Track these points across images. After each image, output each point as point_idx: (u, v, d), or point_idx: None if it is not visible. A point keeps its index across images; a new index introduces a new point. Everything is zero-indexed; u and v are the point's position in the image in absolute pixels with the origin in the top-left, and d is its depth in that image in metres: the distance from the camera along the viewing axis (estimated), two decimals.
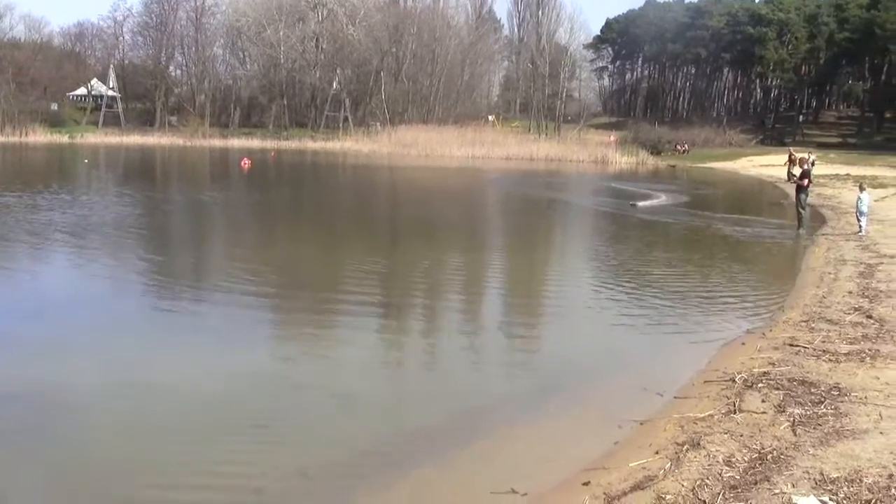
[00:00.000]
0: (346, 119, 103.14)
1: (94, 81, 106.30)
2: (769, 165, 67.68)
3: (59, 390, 9.78)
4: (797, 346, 11.68)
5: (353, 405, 9.84)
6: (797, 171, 28.28)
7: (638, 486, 7.17)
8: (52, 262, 19.31)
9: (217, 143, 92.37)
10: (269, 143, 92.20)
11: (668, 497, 6.85)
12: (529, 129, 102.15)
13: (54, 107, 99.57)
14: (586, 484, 7.39)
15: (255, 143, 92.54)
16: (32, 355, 11.22)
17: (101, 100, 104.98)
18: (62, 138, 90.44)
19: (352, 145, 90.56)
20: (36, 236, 21.96)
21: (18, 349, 11.43)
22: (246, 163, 56.95)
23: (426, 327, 14.34)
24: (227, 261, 20.22)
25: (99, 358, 11.19)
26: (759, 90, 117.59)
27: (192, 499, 7.38)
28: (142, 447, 8.34)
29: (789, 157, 29.77)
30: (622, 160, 78.17)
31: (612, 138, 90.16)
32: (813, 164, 30.78)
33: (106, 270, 18.34)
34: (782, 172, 45.10)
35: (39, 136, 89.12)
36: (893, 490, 6.69)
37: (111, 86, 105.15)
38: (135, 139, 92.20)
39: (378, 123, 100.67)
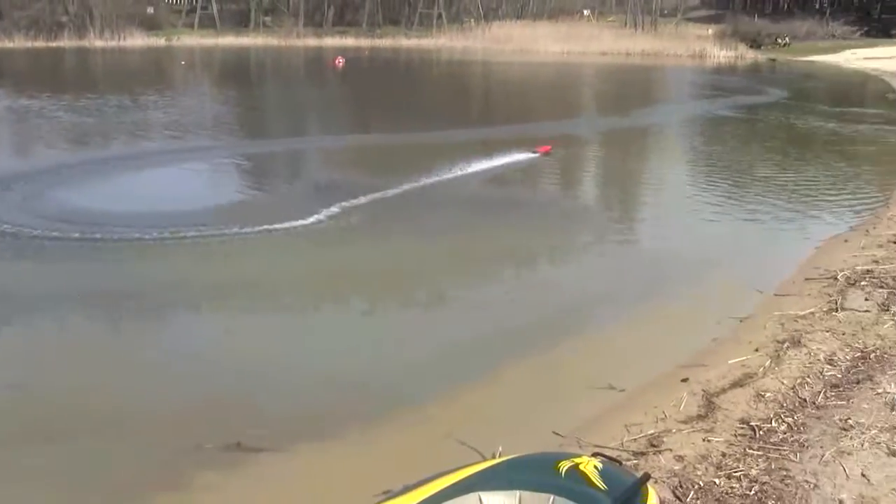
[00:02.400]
0: (439, 16, 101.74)
1: None
2: (874, 58, 64.95)
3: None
4: None
5: (448, 306, 10.04)
6: None
7: (737, 384, 7.20)
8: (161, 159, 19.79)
9: (312, 42, 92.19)
10: (363, 42, 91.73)
11: (767, 395, 6.87)
12: (626, 24, 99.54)
13: (150, 10, 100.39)
14: (685, 380, 7.43)
15: (349, 41, 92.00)
16: None
17: (197, 1, 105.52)
18: (159, 41, 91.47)
19: (446, 42, 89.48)
20: (139, 133, 22.78)
21: None
22: (340, 61, 56.65)
23: (518, 227, 14.04)
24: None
25: None
26: None
27: None
28: None
29: None
30: (720, 54, 75.57)
31: (709, 31, 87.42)
32: None
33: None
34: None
35: (137, 40, 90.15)
36: None
37: None
38: (230, 40, 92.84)
39: (472, 20, 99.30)
